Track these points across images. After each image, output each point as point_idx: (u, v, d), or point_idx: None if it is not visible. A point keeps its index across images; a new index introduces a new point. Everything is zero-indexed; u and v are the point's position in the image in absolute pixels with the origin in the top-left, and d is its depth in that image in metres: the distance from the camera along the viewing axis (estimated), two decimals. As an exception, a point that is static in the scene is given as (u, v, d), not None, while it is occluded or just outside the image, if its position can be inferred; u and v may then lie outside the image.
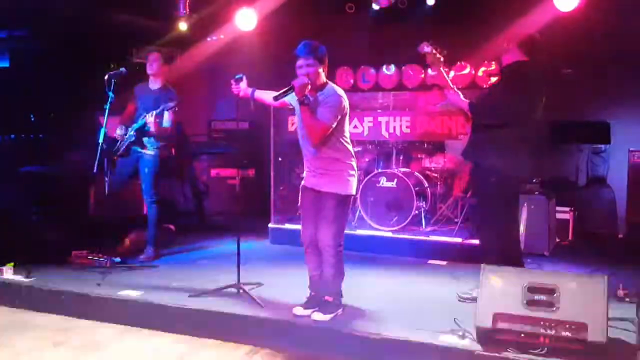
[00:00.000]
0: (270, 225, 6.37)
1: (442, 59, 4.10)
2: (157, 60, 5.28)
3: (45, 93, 6.82)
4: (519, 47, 4.01)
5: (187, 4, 6.33)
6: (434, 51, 4.09)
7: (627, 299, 3.94)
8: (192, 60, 7.76)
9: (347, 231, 5.81)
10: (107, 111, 4.92)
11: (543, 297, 3.15)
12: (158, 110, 5.02)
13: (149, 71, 5.28)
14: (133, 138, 5.15)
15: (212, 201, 7.77)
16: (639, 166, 6.00)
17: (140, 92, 5.32)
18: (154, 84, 5.32)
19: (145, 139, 5.22)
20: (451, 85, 4.14)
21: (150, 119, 5.02)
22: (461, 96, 4.09)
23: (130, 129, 5.18)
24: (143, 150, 5.25)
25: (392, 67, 7.40)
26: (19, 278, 4.52)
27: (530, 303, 3.15)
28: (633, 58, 6.01)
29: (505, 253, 3.87)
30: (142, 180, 5.30)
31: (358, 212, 6.16)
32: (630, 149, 6.04)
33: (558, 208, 5.99)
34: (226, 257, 5.54)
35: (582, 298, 3.10)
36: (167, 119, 5.18)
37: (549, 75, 6.14)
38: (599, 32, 6.10)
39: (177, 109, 5.13)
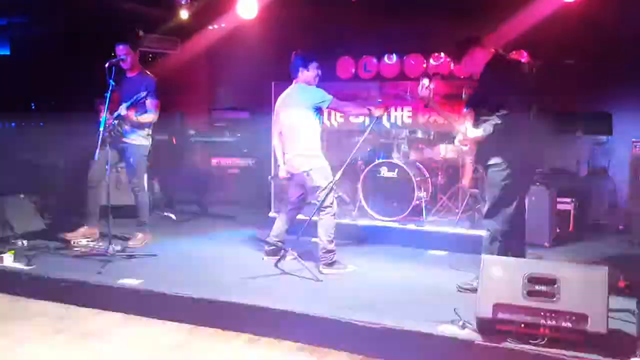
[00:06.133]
0: (270, 214, 6.36)
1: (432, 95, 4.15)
2: (129, 54, 5.24)
3: (45, 80, 6.80)
4: (481, 46, 3.99)
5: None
6: (431, 95, 4.13)
7: (627, 290, 3.93)
8: (192, 49, 7.74)
9: (347, 221, 5.94)
10: (107, 99, 4.93)
11: (543, 288, 3.14)
12: (129, 103, 5.02)
13: (122, 66, 5.25)
14: (114, 126, 5.10)
15: (212, 190, 7.77)
16: (641, 156, 5.97)
17: (120, 80, 5.27)
18: (131, 72, 5.33)
19: (127, 127, 5.21)
20: (454, 119, 4.15)
21: (123, 111, 5.03)
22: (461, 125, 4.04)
23: (113, 117, 5.13)
24: (127, 139, 5.25)
25: (394, 57, 7.36)
26: (19, 265, 4.52)
27: (531, 293, 3.14)
28: (636, 49, 5.96)
29: (511, 242, 3.87)
30: (126, 169, 5.35)
31: (359, 202, 6.15)
32: (633, 139, 5.99)
33: (559, 199, 5.96)
34: (226, 245, 5.59)
35: (582, 289, 3.09)
36: (149, 106, 5.18)
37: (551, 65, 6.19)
38: (601, 23, 6.05)
39: (157, 95, 5.12)
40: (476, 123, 3.93)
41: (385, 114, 4.83)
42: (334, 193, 4.70)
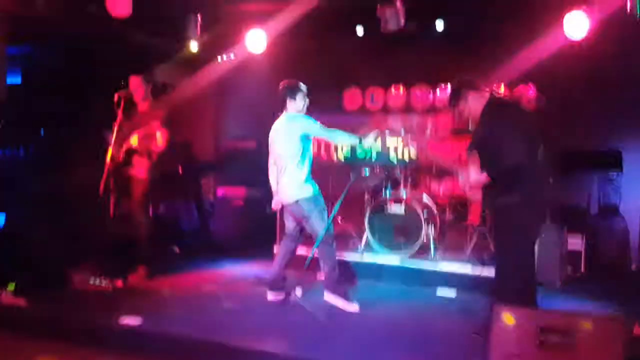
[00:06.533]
0: (275, 247, 6.28)
1: None
2: (141, 86, 5.28)
3: (55, 111, 6.81)
4: (474, 90, 3.93)
5: (199, 25, 6.32)
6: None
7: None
8: (201, 79, 7.76)
9: (353, 258, 5.86)
10: (115, 131, 4.92)
11: (557, 339, 3.04)
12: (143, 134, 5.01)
13: (135, 98, 5.29)
14: (122, 158, 5.15)
15: (218, 221, 7.70)
16: (653, 195, 5.88)
17: (131, 112, 5.30)
18: (142, 104, 5.37)
19: (135, 159, 5.21)
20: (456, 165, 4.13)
21: (139, 142, 5.00)
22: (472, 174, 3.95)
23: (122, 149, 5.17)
24: (133, 171, 5.25)
25: (401, 88, 7.37)
26: (19, 302, 4.43)
27: (545, 344, 3.04)
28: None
29: (521, 289, 3.76)
30: (131, 201, 5.31)
31: (365, 237, 6.06)
32: (644, 177, 5.93)
33: (570, 237, 5.86)
34: (230, 281, 5.51)
35: (598, 340, 3.00)
36: (158, 137, 5.19)
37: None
38: (609, 59, 6.02)
39: (166, 126, 5.15)
40: (480, 166, 3.87)
41: (379, 140, 4.66)
42: (323, 222, 4.59)
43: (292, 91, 4.71)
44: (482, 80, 4.13)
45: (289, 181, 4.64)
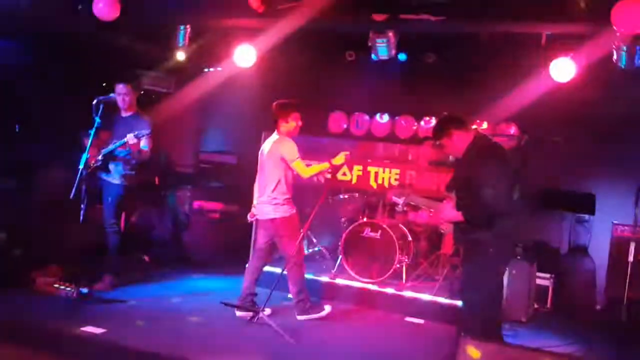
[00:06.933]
0: (247, 265, 6.21)
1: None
2: (129, 94, 5.24)
3: (32, 108, 6.69)
4: (462, 129, 3.94)
5: (187, 35, 6.31)
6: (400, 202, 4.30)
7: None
8: (186, 89, 7.73)
9: (325, 279, 5.84)
10: (91, 136, 4.84)
11: (521, 376, 3.05)
12: (136, 134, 4.94)
13: (121, 105, 5.24)
14: (99, 163, 5.07)
15: (192, 234, 7.60)
16: (621, 240, 5.98)
17: (113, 119, 5.25)
18: (126, 112, 5.31)
19: (111, 166, 5.15)
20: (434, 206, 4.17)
21: (133, 140, 4.90)
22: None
23: (100, 153, 5.09)
24: (108, 178, 5.18)
25: (386, 116, 7.45)
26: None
27: (508, 381, 3.05)
28: (621, 132, 6.09)
29: (487, 322, 3.79)
30: (104, 207, 5.21)
31: (339, 259, 6.05)
32: (614, 221, 6.04)
33: (538, 274, 5.94)
34: (199, 295, 5.43)
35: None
36: (143, 145, 5.14)
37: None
38: (590, 104, 6.18)
39: (151, 136, 5.11)
40: (456, 206, 3.91)
41: (345, 165, 4.78)
42: (299, 242, 4.72)
43: (286, 112, 4.76)
44: (468, 118, 4.17)
45: (268, 199, 4.72)
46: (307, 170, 4.71)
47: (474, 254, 3.89)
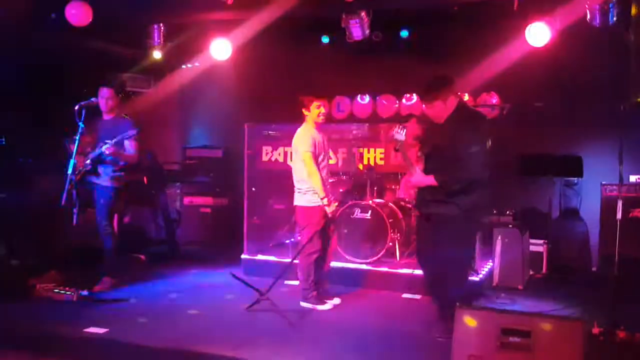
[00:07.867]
0: (242, 256, 6.24)
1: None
2: (111, 98, 5.27)
3: (15, 121, 6.64)
4: (454, 93, 3.92)
5: (162, 33, 6.28)
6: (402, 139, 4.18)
7: (602, 337, 3.90)
8: (166, 88, 7.70)
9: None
10: (77, 142, 4.84)
11: (518, 340, 3.10)
12: (115, 140, 4.96)
13: (103, 108, 5.25)
14: (89, 167, 5.10)
15: (185, 230, 7.62)
16: (611, 200, 6.02)
17: (95, 122, 5.25)
18: (108, 115, 5.33)
19: (100, 169, 5.17)
20: (413, 165, 4.10)
21: (110, 149, 4.94)
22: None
23: (88, 158, 5.10)
24: (98, 181, 5.19)
25: (367, 97, 7.45)
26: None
27: (505, 345, 3.10)
28: (602, 93, 6.11)
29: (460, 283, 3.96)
30: (96, 210, 5.23)
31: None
32: (602, 182, 6.08)
33: (531, 240, 5.99)
34: (197, 289, 5.45)
35: (557, 341, 3.06)
36: (128, 147, 5.16)
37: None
38: (569, 67, 6.21)
39: (137, 137, 5.13)
40: (426, 170, 3.96)
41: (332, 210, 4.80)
42: (313, 234, 4.75)
43: (306, 102, 4.83)
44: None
45: (295, 188, 4.92)
46: (312, 170, 4.68)
47: (442, 228, 3.93)
